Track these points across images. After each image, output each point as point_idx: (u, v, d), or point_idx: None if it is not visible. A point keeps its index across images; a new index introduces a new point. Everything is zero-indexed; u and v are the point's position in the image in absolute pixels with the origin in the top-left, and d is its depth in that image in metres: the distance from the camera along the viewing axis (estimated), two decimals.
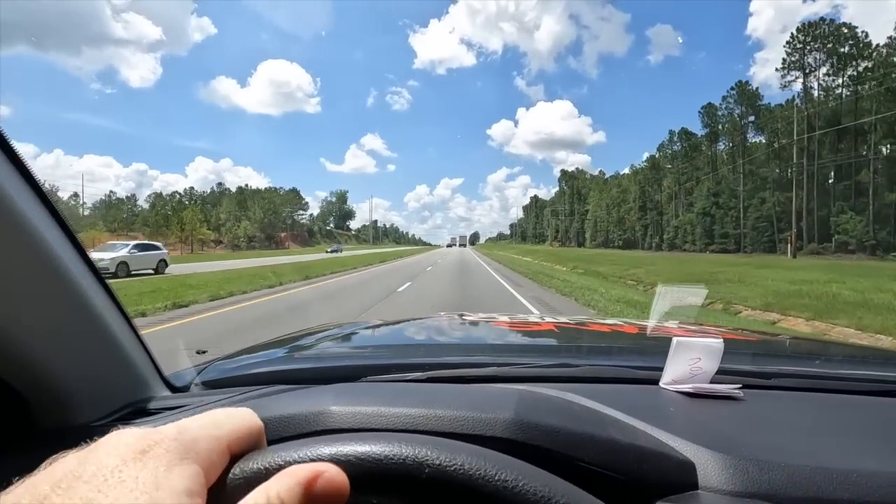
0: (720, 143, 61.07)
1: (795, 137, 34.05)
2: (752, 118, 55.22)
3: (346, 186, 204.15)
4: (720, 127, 59.69)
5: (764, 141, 53.96)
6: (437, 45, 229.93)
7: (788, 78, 48.64)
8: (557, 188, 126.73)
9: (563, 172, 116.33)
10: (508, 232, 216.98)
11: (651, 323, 1.21)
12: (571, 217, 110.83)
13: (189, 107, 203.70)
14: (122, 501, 0.21)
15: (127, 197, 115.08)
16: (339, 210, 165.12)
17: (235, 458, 0.28)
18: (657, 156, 74.41)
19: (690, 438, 0.46)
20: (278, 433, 0.40)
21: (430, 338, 1.31)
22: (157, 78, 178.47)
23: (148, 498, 0.22)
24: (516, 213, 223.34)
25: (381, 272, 20.31)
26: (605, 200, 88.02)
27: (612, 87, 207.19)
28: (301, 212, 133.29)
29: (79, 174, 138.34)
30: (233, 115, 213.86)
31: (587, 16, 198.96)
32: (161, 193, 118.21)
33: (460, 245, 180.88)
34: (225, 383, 0.77)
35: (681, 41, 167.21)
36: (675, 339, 0.65)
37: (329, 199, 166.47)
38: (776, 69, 50.11)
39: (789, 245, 33.94)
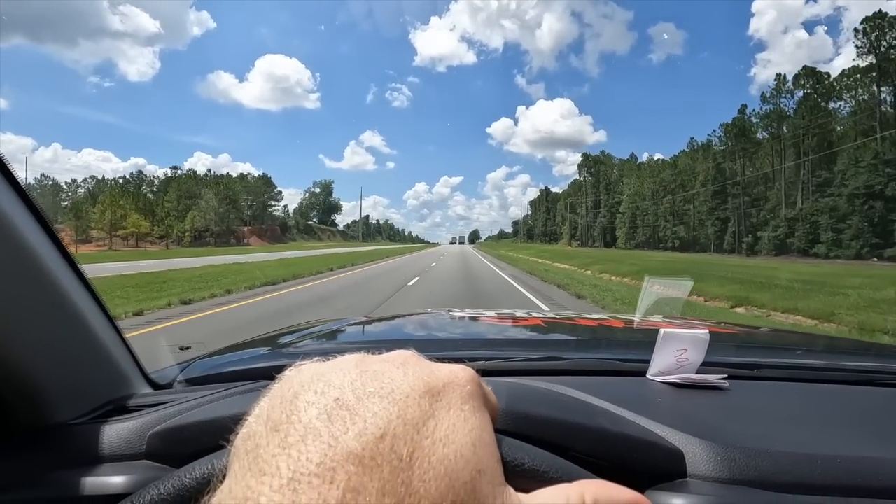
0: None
1: None
2: None
3: (344, 183, 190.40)
4: None
5: None
6: (438, 42, 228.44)
7: None
8: (561, 185, 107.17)
9: (585, 156, 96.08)
10: (510, 230, 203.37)
11: (637, 317, 1.21)
12: (595, 210, 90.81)
13: (188, 102, 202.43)
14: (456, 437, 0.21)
15: (66, 182, 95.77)
16: (323, 203, 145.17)
17: None
18: (749, 117, 53.71)
19: (678, 427, 0.46)
20: None
21: (418, 333, 1.30)
22: (156, 72, 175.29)
23: (477, 436, 0.22)
24: (516, 212, 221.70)
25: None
26: (650, 187, 67.66)
27: (614, 85, 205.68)
28: (273, 203, 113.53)
29: (77, 168, 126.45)
30: (231, 110, 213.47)
31: (589, 13, 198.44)
32: (103, 178, 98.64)
33: (459, 243, 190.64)
34: (209, 380, 0.76)
35: (683, 39, 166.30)
36: (661, 331, 0.66)
37: (312, 189, 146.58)
38: None
39: None
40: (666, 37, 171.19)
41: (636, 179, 74.32)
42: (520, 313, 1.52)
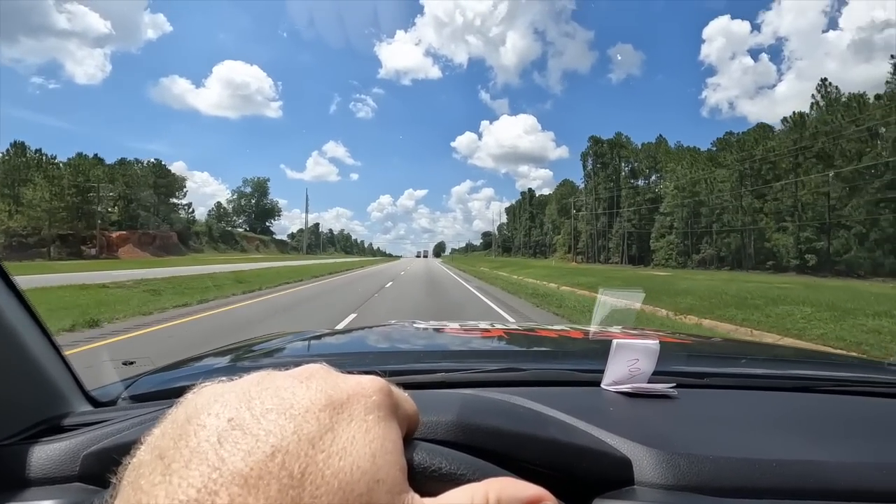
0: None
1: None
2: None
3: (308, 195, 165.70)
4: None
5: None
6: (404, 55, 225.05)
7: None
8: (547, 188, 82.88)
9: (594, 140, 71.34)
10: (479, 242, 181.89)
11: (595, 328, 1.25)
12: (612, 213, 66.05)
13: (140, 107, 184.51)
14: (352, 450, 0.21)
15: None
16: (256, 206, 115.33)
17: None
18: None
19: (628, 436, 0.47)
20: None
21: (379, 345, 1.31)
22: (106, 75, 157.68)
23: (378, 447, 0.22)
24: (480, 226, 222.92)
25: None
26: (736, 168, 42.42)
27: (576, 103, 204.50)
28: (173, 200, 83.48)
29: None
30: (187, 116, 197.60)
31: (552, 32, 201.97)
32: None
33: (424, 256, 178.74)
34: (157, 396, 0.72)
35: (641, 61, 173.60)
36: (614, 342, 0.67)
37: (242, 189, 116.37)
38: None
39: None
40: (619, 57, 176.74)
41: (691, 164, 49.74)
42: (483, 325, 1.53)
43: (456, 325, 1.47)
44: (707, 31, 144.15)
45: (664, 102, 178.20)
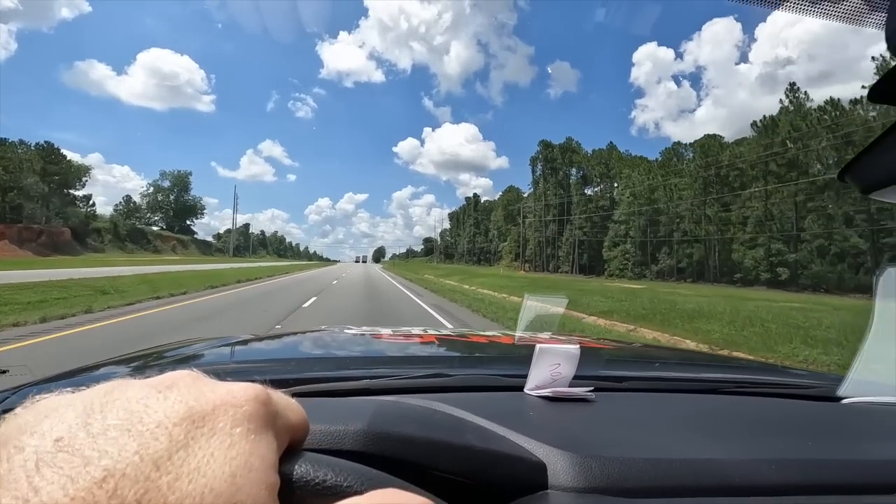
0: None
1: None
2: None
3: (241, 195, 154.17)
4: None
5: None
6: (346, 56, 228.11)
7: None
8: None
9: (545, 145, 68.78)
10: (420, 248, 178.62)
11: (524, 334, 1.29)
12: (562, 221, 63.57)
13: (50, 91, 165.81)
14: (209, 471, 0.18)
15: None
16: (175, 202, 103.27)
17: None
18: None
19: (545, 440, 0.47)
20: None
21: (304, 352, 1.27)
22: (11, 55, 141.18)
23: (241, 464, 0.19)
24: (420, 231, 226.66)
25: None
26: (699, 175, 40.20)
27: (516, 115, 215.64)
28: (71, 192, 71.68)
29: None
30: (106, 105, 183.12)
31: (494, 45, 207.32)
32: None
33: (362, 261, 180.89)
34: None
35: (577, 79, 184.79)
36: (537, 346, 0.68)
37: (159, 182, 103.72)
38: None
39: None
40: (550, 71, 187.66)
41: (648, 171, 47.81)
42: (415, 331, 1.54)
43: (388, 331, 1.46)
44: (637, 56, 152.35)
45: (598, 120, 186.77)
